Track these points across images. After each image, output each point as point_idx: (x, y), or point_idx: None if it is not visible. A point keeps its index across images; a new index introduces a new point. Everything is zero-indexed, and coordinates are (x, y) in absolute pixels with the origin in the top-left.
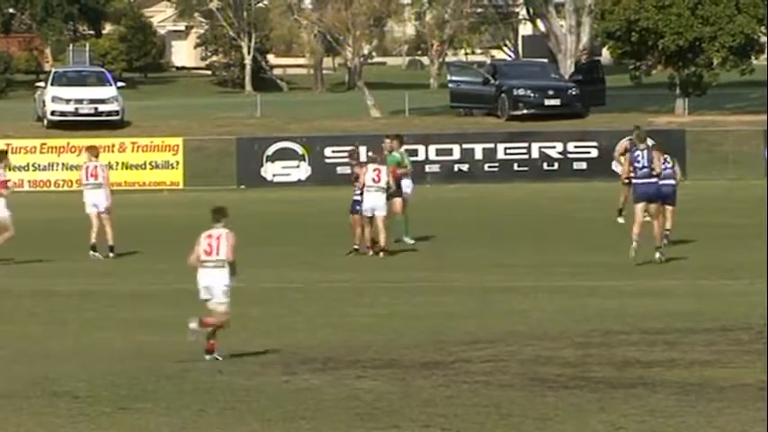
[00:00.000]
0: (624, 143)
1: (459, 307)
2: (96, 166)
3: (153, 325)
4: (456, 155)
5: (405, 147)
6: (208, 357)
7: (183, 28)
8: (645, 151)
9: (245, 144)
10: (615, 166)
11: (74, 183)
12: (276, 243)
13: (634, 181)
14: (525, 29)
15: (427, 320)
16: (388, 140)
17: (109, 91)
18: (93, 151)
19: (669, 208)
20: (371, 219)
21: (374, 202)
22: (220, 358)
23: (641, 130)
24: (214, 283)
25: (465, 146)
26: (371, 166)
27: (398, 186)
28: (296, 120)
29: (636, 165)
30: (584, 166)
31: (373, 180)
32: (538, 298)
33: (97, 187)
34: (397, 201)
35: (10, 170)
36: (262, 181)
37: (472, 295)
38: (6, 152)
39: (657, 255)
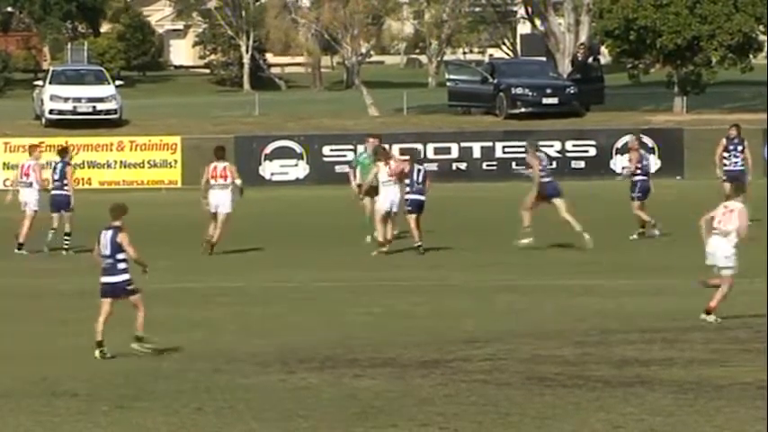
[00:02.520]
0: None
1: (458, 306)
2: (29, 166)
3: (152, 324)
4: (454, 153)
5: (403, 145)
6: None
7: (181, 27)
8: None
9: (243, 143)
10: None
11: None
12: (275, 242)
13: None
14: (524, 27)
15: (426, 320)
16: (371, 140)
17: (107, 89)
18: (34, 150)
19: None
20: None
21: (394, 196)
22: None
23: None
24: None
25: (463, 144)
26: (381, 164)
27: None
28: (294, 118)
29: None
30: (582, 164)
31: (389, 175)
32: (536, 297)
33: (29, 186)
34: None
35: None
36: (260, 180)
37: (470, 294)
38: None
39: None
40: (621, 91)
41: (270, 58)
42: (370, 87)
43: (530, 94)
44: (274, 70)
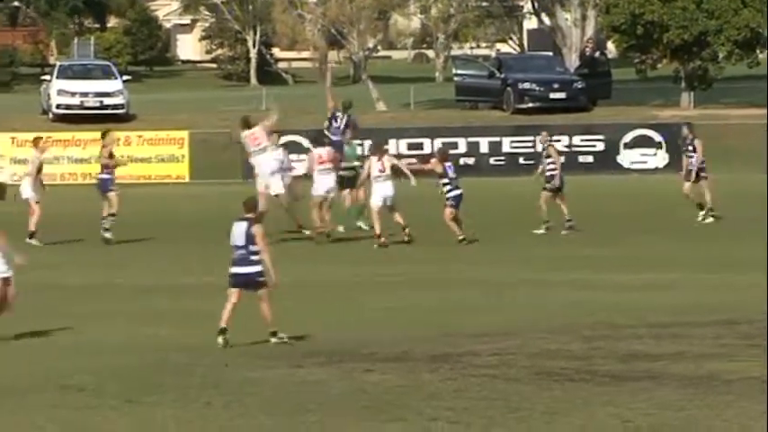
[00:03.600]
0: None
1: (467, 301)
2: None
3: (160, 318)
4: (462, 148)
5: (410, 140)
6: None
7: (188, 21)
8: None
9: None
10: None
11: (79, 176)
12: (284, 236)
13: None
14: (530, 22)
15: (435, 314)
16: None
17: (114, 84)
18: (38, 143)
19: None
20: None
21: (386, 191)
22: None
23: None
24: None
25: (470, 139)
26: (374, 159)
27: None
28: (301, 113)
29: None
30: (590, 159)
31: (380, 170)
32: (544, 291)
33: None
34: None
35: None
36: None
37: (479, 289)
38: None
39: None
40: (629, 86)
41: (277, 52)
42: (377, 82)
43: (537, 88)
44: (281, 65)
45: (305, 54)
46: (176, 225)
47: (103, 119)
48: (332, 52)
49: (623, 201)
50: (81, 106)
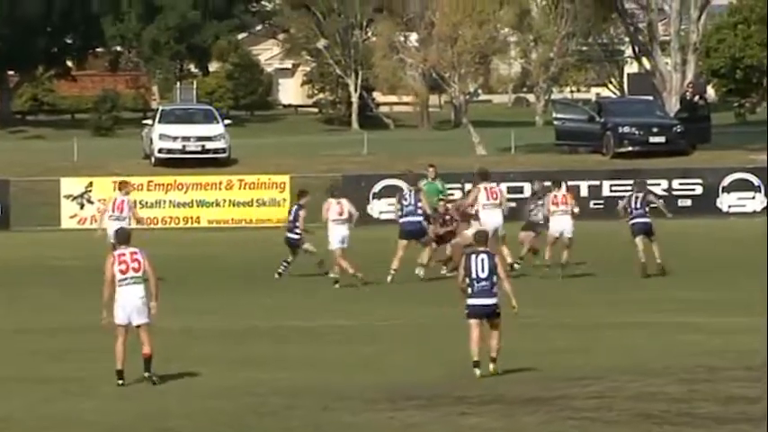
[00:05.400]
0: None
1: (564, 343)
2: (122, 201)
3: (258, 362)
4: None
5: (511, 184)
6: None
7: (289, 66)
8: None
9: (351, 181)
10: None
11: (180, 220)
12: (379, 280)
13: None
14: (630, 67)
15: (532, 356)
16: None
17: (216, 128)
18: (125, 186)
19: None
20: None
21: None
22: None
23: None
24: None
25: (570, 183)
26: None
27: None
28: (402, 157)
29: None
30: (688, 203)
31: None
32: (642, 334)
33: (121, 220)
34: None
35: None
36: (367, 218)
37: (577, 331)
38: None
39: None
40: (728, 129)
41: (378, 96)
42: (477, 126)
43: (636, 132)
44: (382, 109)
45: (406, 98)
46: (273, 269)
47: (205, 163)
48: (433, 96)
49: (720, 244)
50: (183, 150)
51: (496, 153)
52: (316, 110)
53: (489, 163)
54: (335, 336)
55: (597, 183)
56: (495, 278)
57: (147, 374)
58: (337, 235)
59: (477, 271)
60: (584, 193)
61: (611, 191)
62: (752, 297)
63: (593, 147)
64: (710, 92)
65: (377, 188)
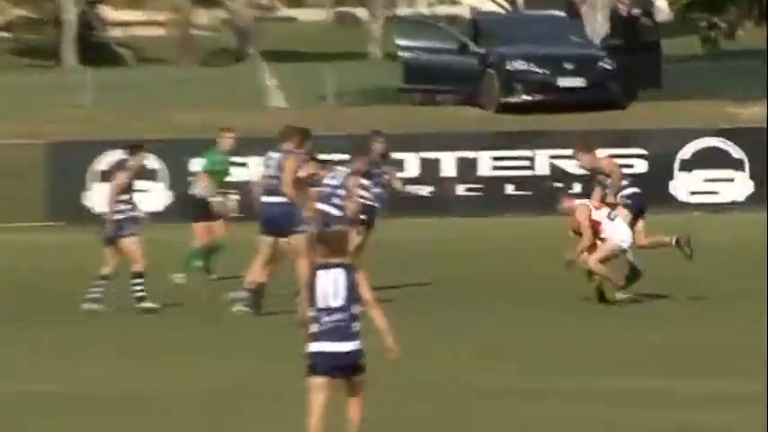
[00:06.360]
0: None
1: None
2: None
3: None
4: (412, 170)
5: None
6: None
7: None
8: None
9: (60, 153)
10: None
11: None
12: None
13: None
14: None
15: None
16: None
17: None
18: None
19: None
20: None
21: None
22: None
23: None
24: None
25: (425, 155)
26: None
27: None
28: (147, 113)
29: None
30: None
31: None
32: None
33: None
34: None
35: None
36: (78, 215)
37: None
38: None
39: None
40: (689, 66)
41: (109, 13)
42: (273, 60)
43: (537, 70)
44: (116, 33)
45: (155, 16)
46: None
47: None
48: (201, 12)
49: (665, 269)
50: None
51: (304, 105)
52: (6, 34)
53: (293, 121)
54: None
55: (471, 155)
56: (356, 307)
57: None
58: None
59: (325, 296)
60: (449, 171)
61: (495, 169)
62: None
63: (466, 94)
64: (661, 4)
65: (101, 165)
